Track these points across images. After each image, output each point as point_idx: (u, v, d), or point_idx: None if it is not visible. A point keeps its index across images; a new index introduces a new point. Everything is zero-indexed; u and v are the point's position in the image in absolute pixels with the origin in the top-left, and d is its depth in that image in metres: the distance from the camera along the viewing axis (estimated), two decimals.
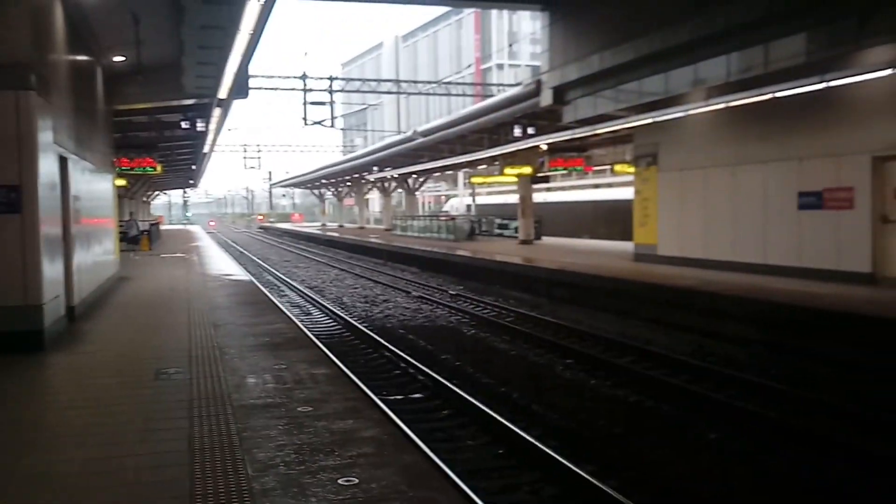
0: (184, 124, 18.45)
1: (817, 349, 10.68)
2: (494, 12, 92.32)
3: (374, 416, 5.34)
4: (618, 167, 26.07)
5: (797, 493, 6.48)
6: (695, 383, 10.21)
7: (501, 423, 8.10)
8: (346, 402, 5.72)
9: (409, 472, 4.14)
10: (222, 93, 15.13)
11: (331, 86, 28.44)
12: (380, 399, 8.82)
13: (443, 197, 79.46)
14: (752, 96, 12.71)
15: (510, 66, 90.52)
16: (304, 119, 28.64)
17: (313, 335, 10.20)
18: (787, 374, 10.47)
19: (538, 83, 18.35)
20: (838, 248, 13.19)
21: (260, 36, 10.33)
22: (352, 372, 10.23)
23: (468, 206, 53.30)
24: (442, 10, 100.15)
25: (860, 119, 12.73)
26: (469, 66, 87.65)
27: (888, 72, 10.46)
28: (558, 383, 10.60)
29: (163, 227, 51.22)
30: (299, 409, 5.54)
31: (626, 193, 32.83)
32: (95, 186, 13.77)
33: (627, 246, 22.71)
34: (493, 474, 7.05)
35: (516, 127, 21.29)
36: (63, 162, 9.95)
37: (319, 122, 29.23)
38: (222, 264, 22.61)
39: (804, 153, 13.86)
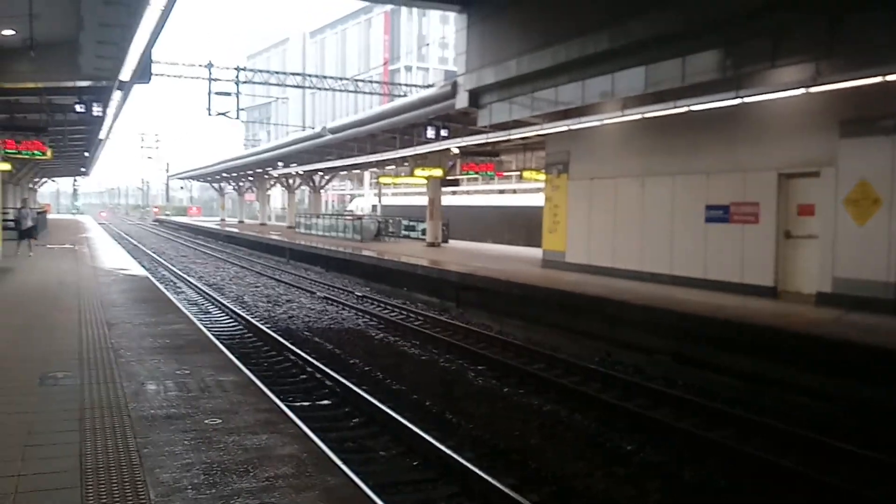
0: (78, 108, 17.23)
1: (721, 360, 10.85)
2: (405, 14, 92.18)
3: (289, 430, 4.91)
4: (527, 174, 26.17)
5: None
6: (605, 392, 10.20)
7: (415, 432, 7.79)
8: (257, 413, 5.27)
9: (335, 497, 3.76)
10: (124, 75, 14.19)
11: (237, 76, 27.45)
12: (293, 411, 8.30)
13: (347, 196, 78.51)
14: (668, 109, 12.85)
15: (418, 68, 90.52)
16: (209, 109, 27.55)
17: (216, 337, 9.60)
18: (693, 384, 10.59)
19: (454, 85, 18.15)
20: (743, 261, 13.49)
21: (168, 15, 9.65)
22: (258, 377, 9.72)
23: (374, 207, 52.73)
24: (351, 8, 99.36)
25: (767, 136, 13.06)
26: (377, 66, 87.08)
27: (800, 91, 10.70)
28: (471, 390, 10.39)
29: (50, 217, 48.48)
30: (207, 421, 5.04)
31: (532, 200, 33.24)
32: None
33: (534, 252, 22.81)
34: (408, 488, 6.75)
35: (429, 128, 21.02)
36: None
37: (224, 114, 28.19)
38: (115, 258, 21.45)
39: (712, 167, 14.13)
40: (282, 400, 8.81)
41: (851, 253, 11.63)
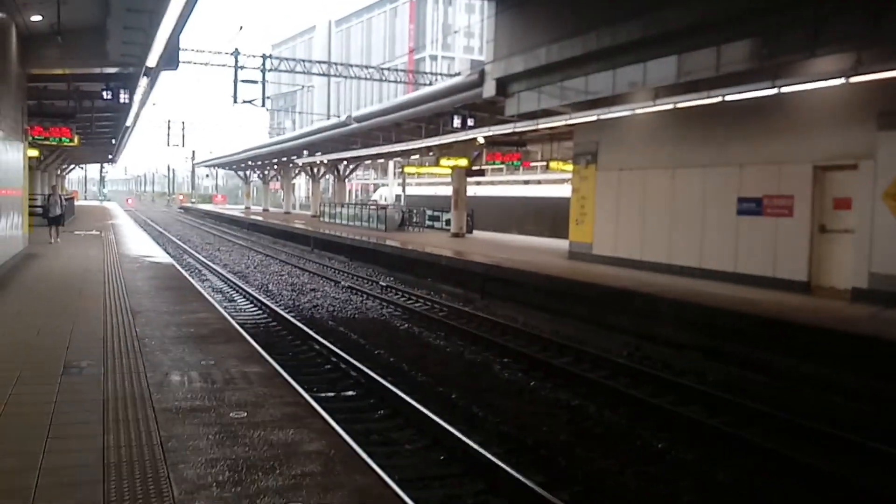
0: (106, 94, 17.24)
1: (753, 356, 10.60)
2: (430, 2, 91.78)
3: (317, 425, 4.77)
4: (553, 164, 25.87)
5: None
6: (635, 387, 9.98)
7: (442, 426, 7.64)
8: (284, 407, 5.14)
9: (365, 498, 3.62)
10: (151, 61, 14.13)
11: (263, 64, 27.39)
12: (319, 403, 8.21)
13: (371, 186, 78.53)
14: (702, 99, 12.55)
15: (444, 57, 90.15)
16: (235, 97, 27.52)
17: (241, 326, 9.51)
18: (724, 380, 10.34)
19: (481, 73, 17.93)
20: (775, 255, 13.20)
21: (195, 1, 9.55)
22: (282, 367, 9.63)
23: (398, 196, 52.67)
24: None
25: (803, 128, 12.73)
26: (402, 55, 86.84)
27: (839, 81, 10.38)
28: (497, 383, 10.22)
29: (77, 204, 48.92)
30: (232, 414, 4.92)
31: (557, 191, 32.94)
32: (1, 155, 12.70)
33: (559, 243, 22.58)
34: (435, 483, 6.60)
35: (455, 117, 20.80)
36: None
37: (250, 102, 28.15)
38: (141, 245, 21.51)
39: (745, 159, 13.82)
40: (306, 390, 8.73)
41: (889, 248, 11.31)
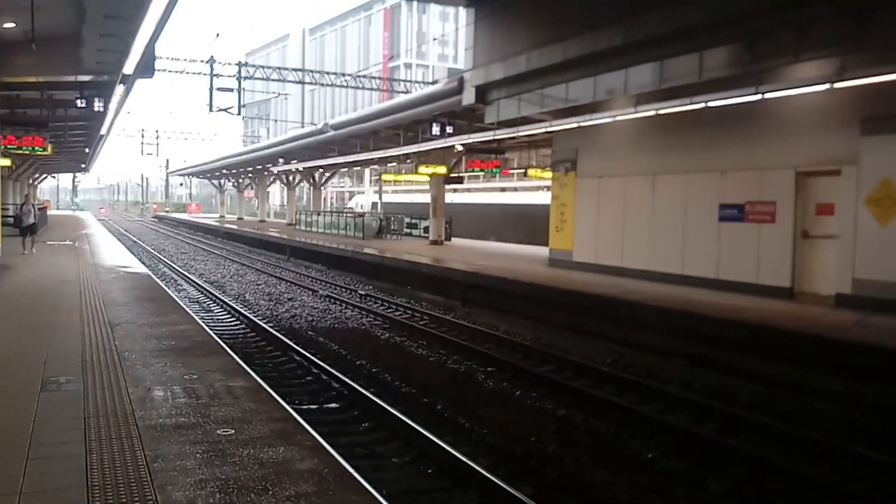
0: (80, 103, 16.96)
1: (738, 363, 10.58)
2: (404, 11, 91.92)
3: (307, 442, 4.62)
4: (532, 172, 25.86)
5: None
6: (621, 396, 9.90)
7: (428, 438, 7.50)
8: (271, 423, 4.98)
9: None
10: (127, 69, 13.87)
11: (239, 72, 27.15)
12: (305, 417, 8.04)
13: (346, 193, 78.20)
14: (684, 105, 12.54)
15: (418, 65, 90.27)
16: (210, 105, 27.24)
17: (221, 338, 9.32)
18: (711, 387, 10.30)
19: (460, 81, 17.86)
20: (758, 261, 13.21)
21: (174, 6, 9.36)
22: (264, 380, 9.44)
23: (374, 204, 52.44)
24: (351, 4, 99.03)
25: (785, 134, 12.77)
26: (377, 63, 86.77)
27: (823, 87, 10.40)
28: (482, 393, 10.12)
29: (50, 213, 48.16)
30: (219, 431, 4.75)
31: (534, 198, 32.97)
32: None
33: (538, 250, 22.54)
34: (424, 497, 6.47)
35: (434, 125, 20.70)
36: None
37: (226, 110, 27.90)
38: (116, 255, 21.16)
39: (727, 165, 13.84)
40: (288, 403, 8.56)
41: (873, 254, 11.35)
